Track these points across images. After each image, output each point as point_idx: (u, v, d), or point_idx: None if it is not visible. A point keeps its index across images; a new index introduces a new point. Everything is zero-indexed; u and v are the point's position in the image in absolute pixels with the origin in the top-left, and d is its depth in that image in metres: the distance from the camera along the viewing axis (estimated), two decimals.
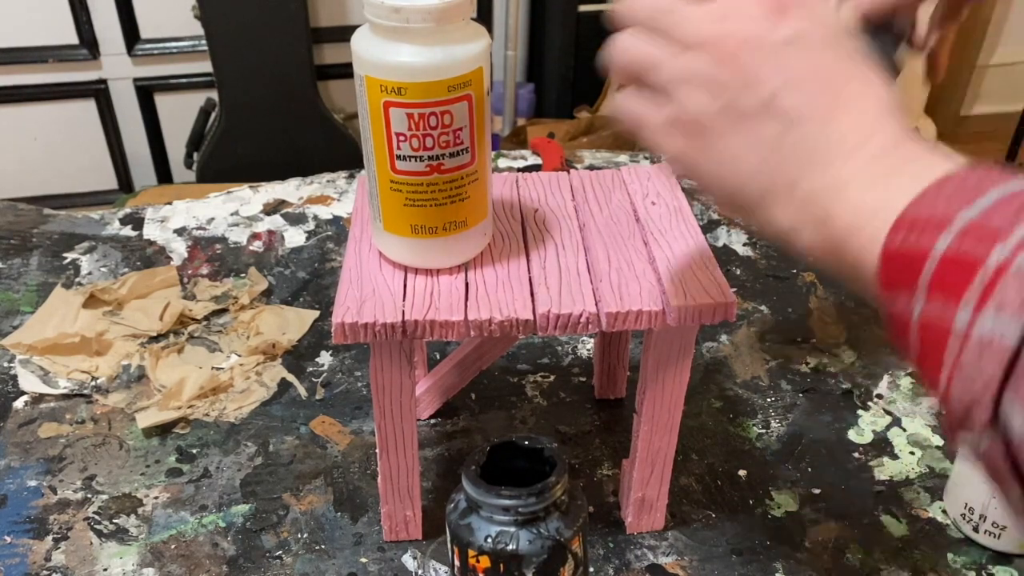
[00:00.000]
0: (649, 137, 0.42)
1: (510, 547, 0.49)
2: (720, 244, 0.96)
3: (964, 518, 0.64)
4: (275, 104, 2.02)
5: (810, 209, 0.37)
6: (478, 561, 0.50)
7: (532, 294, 0.55)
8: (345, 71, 2.20)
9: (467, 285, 0.56)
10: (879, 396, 0.78)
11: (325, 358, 0.81)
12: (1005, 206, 0.31)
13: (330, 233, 0.97)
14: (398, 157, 0.53)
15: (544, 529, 0.50)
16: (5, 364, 0.80)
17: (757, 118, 0.38)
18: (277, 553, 0.63)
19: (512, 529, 0.49)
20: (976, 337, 0.30)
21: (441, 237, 0.55)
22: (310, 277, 0.91)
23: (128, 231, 0.97)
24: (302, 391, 0.77)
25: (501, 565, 0.50)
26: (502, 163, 1.11)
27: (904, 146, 0.36)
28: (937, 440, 0.73)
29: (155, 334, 0.83)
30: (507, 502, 0.49)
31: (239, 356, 0.80)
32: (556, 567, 0.50)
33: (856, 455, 0.72)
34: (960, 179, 0.33)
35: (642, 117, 0.42)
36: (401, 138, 0.52)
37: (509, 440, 0.53)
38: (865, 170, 0.36)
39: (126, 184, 2.24)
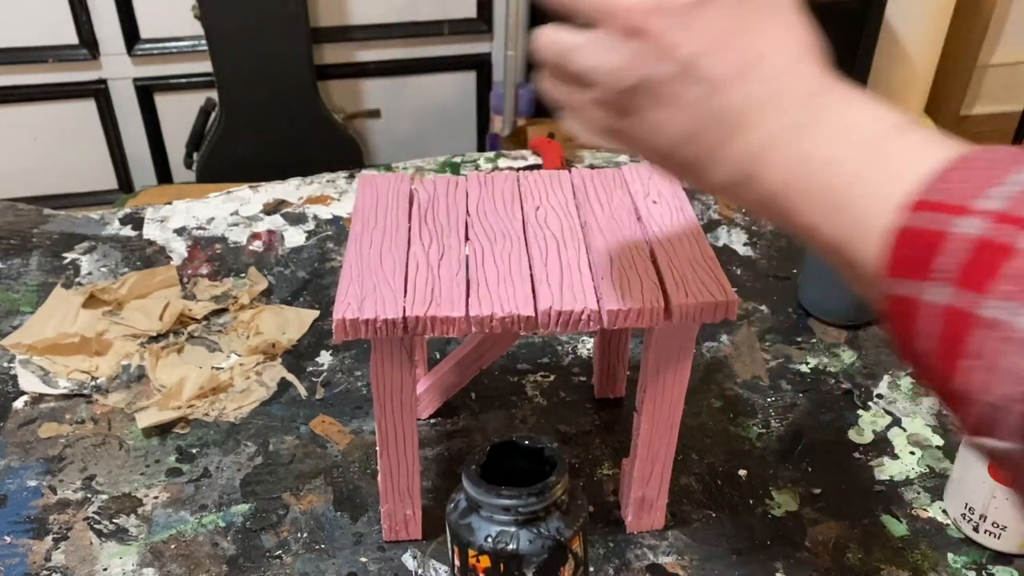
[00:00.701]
0: (577, 120, 0.42)
1: (510, 547, 0.49)
2: (720, 244, 0.96)
3: (964, 518, 0.64)
4: (275, 104, 2.02)
5: (741, 168, 0.38)
6: (478, 561, 0.50)
7: (534, 291, 0.55)
8: (345, 71, 2.20)
9: (468, 281, 0.56)
10: (879, 396, 0.78)
11: (325, 358, 0.81)
12: None
13: (330, 233, 0.97)
14: None
15: (544, 529, 0.50)
16: (5, 364, 0.80)
17: (676, 86, 0.38)
18: (277, 553, 0.63)
19: (512, 529, 0.49)
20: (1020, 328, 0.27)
21: None
22: (310, 277, 0.91)
23: (128, 231, 0.97)
24: (302, 391, 0.77)
25: (501, 565, 0.50)
26: (502, 163, 1.11)
27: (818, 97, 0.37)
28: (937, 440, 0.73)
29: (155, 334, 0.83)
30: (507, 502, 0.49)
31: (239, 356, 0.80)
32: (556, 567, 0.50)
33: (856, 455, 0.72)
34: (975, 157, 0.32)
35: (567, 101, 0.42)
36: None
37: (509, 440, 0.53)
38: (785, 127, 0.36)
39: (126, 184, 2.24)
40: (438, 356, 0.80)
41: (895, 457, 0.72)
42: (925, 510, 0.67)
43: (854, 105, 0.36)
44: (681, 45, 0.37)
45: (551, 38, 0.42)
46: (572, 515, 0.51)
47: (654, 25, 0.37)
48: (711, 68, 0.37)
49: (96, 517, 0.66)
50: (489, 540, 0.49)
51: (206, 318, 0.85)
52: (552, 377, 0.79)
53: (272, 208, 1.01)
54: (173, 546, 0.63)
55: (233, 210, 1.00)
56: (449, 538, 0.52)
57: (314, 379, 0.78)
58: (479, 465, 0.51)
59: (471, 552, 0.50)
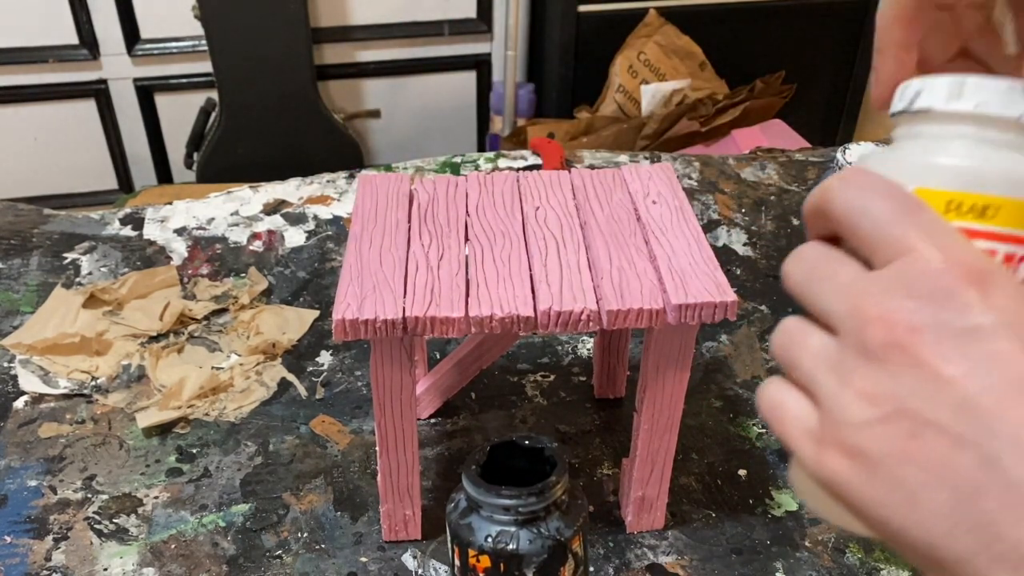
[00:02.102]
0: (793, 444, 0.30)
1: (510, 547, 0.49)
2: (720, 244, 0.96)
3: None
4: (275, 104, 2.02)
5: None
6: (478, 561, 0.50)
7: (533, 291, 0.55)
8: (345, 71, 2.20)
9: (468, 282, 0.56)
10: None
11: (325, 358, 0.81)
12: None
13: (330, 233, 0.97)
14: None
15: (544, 529, 0.50)
16: (5, 364, 0.80)
17: (941, 438, 0.26)
18: (277, 553, 0.63)
19: (512, 529, 0.49)
20: None
21: None
22: (310, 277, 0.91)
23: (128, 231, 0.97)
24: (302, 391, 0.77)
25: (501, 565, 0.50)
26: (502, 163, 1.11)
27: None
28: None
29: (155, 334, 0.83)
30: (507, 502, 0.49)
31: (239, 356, 0.80)
32: (556, 567, 0.50)
33: None
34: None
35: (783, 410, 0.31)
36: None
37: (509, 440, 0.53)
38: None
39: (126, 184, 2.24)
40: (438, 356, 0.80)
41: None
42: None
43: None
44: (960, 383, 0.26)
45: (786, 337, 0.32)
46: (572, 515, 0.51)
47: (924, 349, 0.27)
48: (1003, 425, 0.26)
49: (96, 517, 0.66)
50: (489, 540, 0.49)
51: (206, 318, 0.85)
52: (552, 377, 0.79)
53: (272, 208, 1.01)
54: (173, 546, 0.63)
55: (233, 210, 1.00)
56: (449, 538, 0.52)
57: (314, 379, 0.78)
58: (479, 465, 0.51)
59: (471, 552, 0.50)
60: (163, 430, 0.73)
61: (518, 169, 1.08)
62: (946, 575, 0.27)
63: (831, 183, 0.31)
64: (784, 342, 0.32)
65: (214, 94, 2.02)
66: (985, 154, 0.31)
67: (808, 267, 0.31)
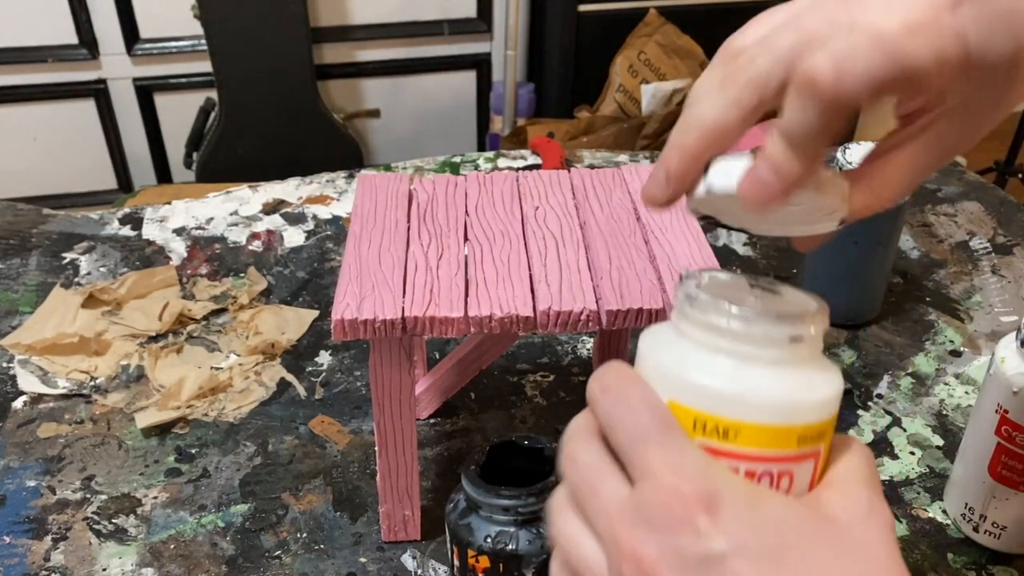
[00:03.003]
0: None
1: (510, 547, 0.49)
2: (720, 244, 0.96)
3: (964, 518, 0.64)
4: (275, 104, 2.02)
5: None
6: (477, 561, 0.50)
7: (533, 291, 0.55)
8: (345, 71, 2.20)
9: (467, 282, 0.56)
10: (879, 396, 0.77)
11: (324, 358, 0.81)
12: None
13: (329, 233, 0.97)
14: None
15: (544, 529, 0.49)
16: (4, 364, 0.79)
17: None
18: (276, 553, 0.63)
19: (512, 529, 0.49)
20: None
21: None
22: (309, 277, 0.91)
23: (127, 231, 0.97)
24: (301, 391, 0.77)
25: (501, 565, 0.50)
26: (501, 163, 1.11)
27: None
28: (937, 440, 0.73)
29: (154, 334, 0.83)
30: (507, 502, 0.49)
31: (238, 356, 0.80)
32: None
33: None
34: None
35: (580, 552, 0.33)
36: None
37: (509, 440, 0.53)
38: None
39: (126, 184, 2.24)
40: (437, 356, 0.80)
41: (895, 457, 0.72)
42: (925, 510, 0.67)
43: None
44: None
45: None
46: None
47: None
48: None
49: (95, 517, 0.66)
50: (488, 540, 0.49)
51: (205, 318, 0.85)
52: (552, 377, 0.79)
53: (271, 208, 1.01)
54: (172, 546, 0.63)
55: (232, 210, 1.00)
56: (448, 538, 0.52)
57: (313, 379, 0.78)
58: (478, 465, 0.51)
59: (471, 552, 0.50)
60: (162, 430, 0.73)
61: (518, 169, 1.08)
62: None
63: (592, 388, 0.34)
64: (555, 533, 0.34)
65: (214, 94, 2.03)
66: (732, 374, 0.32)
67: (578, 477, 0.33)
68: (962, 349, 0.83)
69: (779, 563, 0.29)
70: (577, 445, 0.34)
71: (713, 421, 0.32)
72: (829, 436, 0.34)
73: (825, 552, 0.30)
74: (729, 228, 0.42)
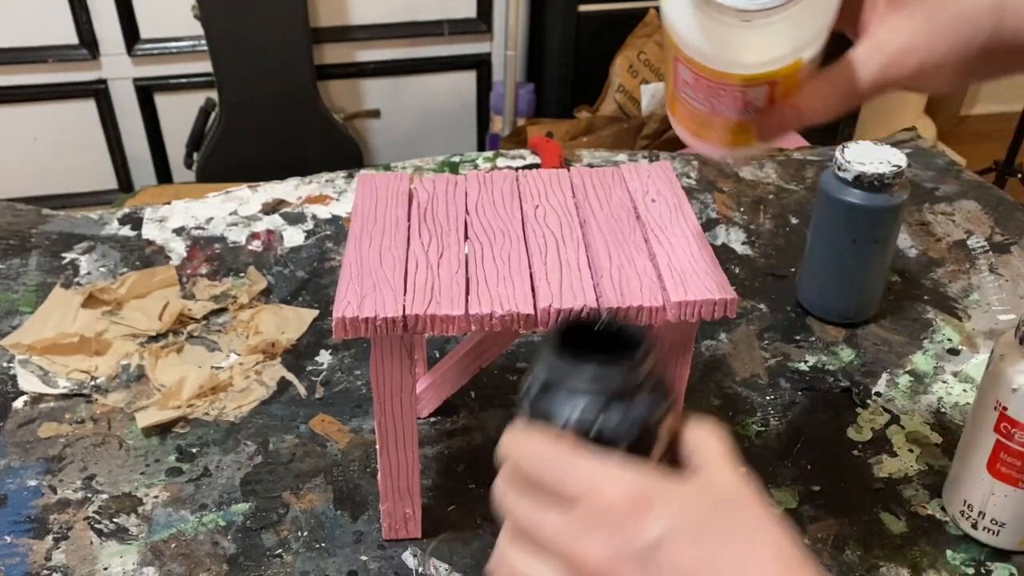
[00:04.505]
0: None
1: (597, 425, 0.42)
2: (719, 243, 0.96)
3: (963, 515, 0.64)
4: (275, 104, 2.02)
5: None
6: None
7: (533, 289, 0.55)
8: (345, 71, 2.20)
9: (468, 280, 0.56)
10: (878, 394, 0.78)
11: (324, 357, 0.81)
12: None
13: (329, 232, 0.97)
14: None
15: (633, 408, 0.43)
16: (4, 364, 0.80)
17: None
18: (277, 551, 0.63)
19: (598, 407, 0.42)
20: None
21: None
22: (309, 276, 0.91)
23: (127, 231, 0.97)
24: (302, 390, 0.77)
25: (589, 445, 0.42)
26: (501, 163, 1.11)
27: None
28: (936, 437, 0.73)
29: (154, 334, 0.83)
30: (594, 377, 0.42)
31: (238, 355, 0.80)
32: (647, 447, 0.43)
33: (855, 453, 0.72)
34: None
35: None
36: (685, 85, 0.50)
37: (578, 320, 0.46)
38: None
39: (126, 184, 2.24)
40: (438, 355, 0.80)
41: (894, 455, 0.72)
42: (924, 507, 0.67)
43: None
44: None
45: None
46: (660, 394, 0.44)
47: (620, 570, 0.35)
48: None
49: (96, 517, 0.66)
50: (575, 416, 0.42)
51: (205, 318, 0.85)
52: None
53: (271, 208, 1.01)
54: (173, 545, 0.64)
55: (232, 210, 1.00)
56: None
57: (314, 378, 0.78)
58: (561, 337, 0.44)
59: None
60: (163, 430, 0.73)
61: (517, 168, 1.09)
62: None
63: (501, 450, 0.40)
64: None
65: (214, 94, 2.03)
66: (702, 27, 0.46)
67: (522, 520, 0.38)
68: (960, 347, 0.83)
69: (703, 532, 0.35)
70: (510, 498, 0.39)
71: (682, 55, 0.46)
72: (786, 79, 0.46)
73: (732, 514, 0.36)
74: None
